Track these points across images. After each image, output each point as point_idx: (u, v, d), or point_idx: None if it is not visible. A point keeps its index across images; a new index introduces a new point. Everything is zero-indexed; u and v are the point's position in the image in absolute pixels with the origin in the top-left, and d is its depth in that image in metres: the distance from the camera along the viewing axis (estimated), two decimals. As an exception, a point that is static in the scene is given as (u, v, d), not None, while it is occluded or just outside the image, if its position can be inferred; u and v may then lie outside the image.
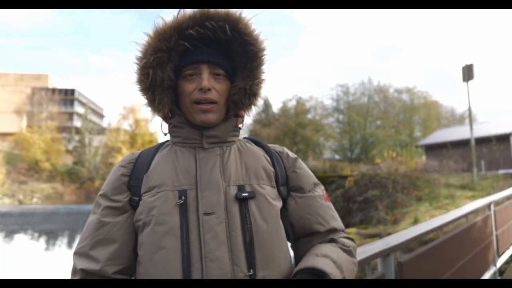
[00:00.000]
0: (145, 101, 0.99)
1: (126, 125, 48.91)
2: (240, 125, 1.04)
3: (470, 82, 17.42)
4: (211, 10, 0.93)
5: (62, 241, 20.45)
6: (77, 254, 0.96)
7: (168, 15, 0.95)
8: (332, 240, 1.02)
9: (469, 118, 18.26)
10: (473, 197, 12.67)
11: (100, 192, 1.00)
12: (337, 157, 42.17)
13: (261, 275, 0.90)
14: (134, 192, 0.98)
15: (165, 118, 1.03)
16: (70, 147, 47.67)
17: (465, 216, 3.62)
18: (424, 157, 30.72)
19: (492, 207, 4.30)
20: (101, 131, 51.75)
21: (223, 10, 0.94)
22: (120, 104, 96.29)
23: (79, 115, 50.61)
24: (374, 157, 33.28)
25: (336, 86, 45.18)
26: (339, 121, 44.89)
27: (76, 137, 48.12)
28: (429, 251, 2.59)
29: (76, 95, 52.26)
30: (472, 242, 3.52)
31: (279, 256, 0.95)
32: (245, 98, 1.00)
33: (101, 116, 61.01)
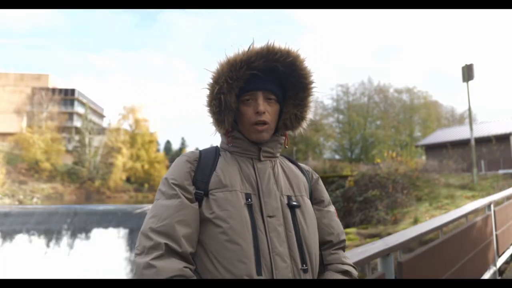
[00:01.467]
0: (212, 120, 1.17)
1: (126, 125, 49.01)
2: (287, 146, 1.26)
3: (470, 82, 17.41)
4: (276, 47, 1.13)
5: (62, 241, 20.42)
6: (155, 231, 1.03)
7: (235, 48, 1.14)
8: (346, 273, 1.20)
9: (469, 118, 18.25)
10: (473, 197, 12.66)
11: (171, 181, 1.11)
12: (337, 157, 42.14)
13: (309, 269, 1.10)
14: (199, 187, 1.12)
15: (226, 133, 1.20)
16: (70, 147, 47.65)
17: (465, 216, 3.62)
18: (424, 157, 30.71)
19: (492, 207, 4.31)
20: (101, 131, 51.68)
21: (285, 47, 1.14)
22: (120, 104, 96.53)
23: (79, 115, 50.62)
24: (374, 157, 33.17)
25: (336, 86, 45.04)
26: (339, 121, 44.86)
27: (76, 137, 48.10)
28: (429, 251, 2.59)
29: (76, 95, 52.27)
30: (472, 242, 3.52)
31: (317, 254, 1.17)
32: (295, 122, 1.24)
33: (101, 116, 61.02)
